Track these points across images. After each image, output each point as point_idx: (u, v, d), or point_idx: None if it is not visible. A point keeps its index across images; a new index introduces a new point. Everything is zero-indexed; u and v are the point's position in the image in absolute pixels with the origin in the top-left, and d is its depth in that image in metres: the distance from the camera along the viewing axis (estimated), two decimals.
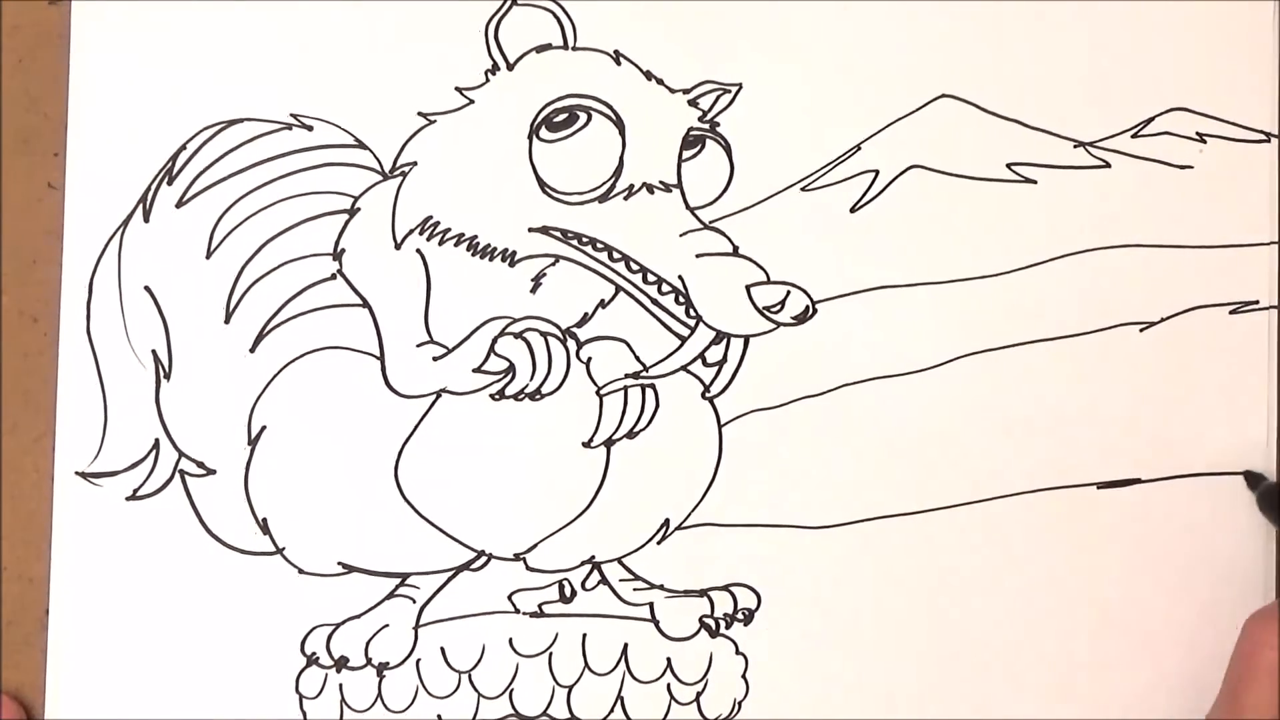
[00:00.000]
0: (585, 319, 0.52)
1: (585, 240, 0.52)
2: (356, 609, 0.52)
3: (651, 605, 0.52)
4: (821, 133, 0.53)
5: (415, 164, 0.52)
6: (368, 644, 0.52)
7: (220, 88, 0.52)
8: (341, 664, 0.52)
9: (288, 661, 0.51)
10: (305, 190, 0.52)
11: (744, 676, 0.52)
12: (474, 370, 0.52)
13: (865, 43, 0.53)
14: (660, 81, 0.53)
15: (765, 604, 0.52)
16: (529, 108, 0.52)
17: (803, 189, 0.53)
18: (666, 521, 0.52)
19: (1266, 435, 0.53)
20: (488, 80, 0.53)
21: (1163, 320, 0.53)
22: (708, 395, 0.52)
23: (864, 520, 0.52)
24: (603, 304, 0.52)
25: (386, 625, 0.52)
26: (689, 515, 0.52)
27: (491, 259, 0.52)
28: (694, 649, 0.52)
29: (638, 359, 0.52)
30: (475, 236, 0.52)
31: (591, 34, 0.53)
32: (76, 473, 0.52)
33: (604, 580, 0.52)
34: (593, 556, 0.52)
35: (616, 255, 0.52)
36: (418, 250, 0.52)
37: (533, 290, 0.52)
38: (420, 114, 0.53)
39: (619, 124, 0.52)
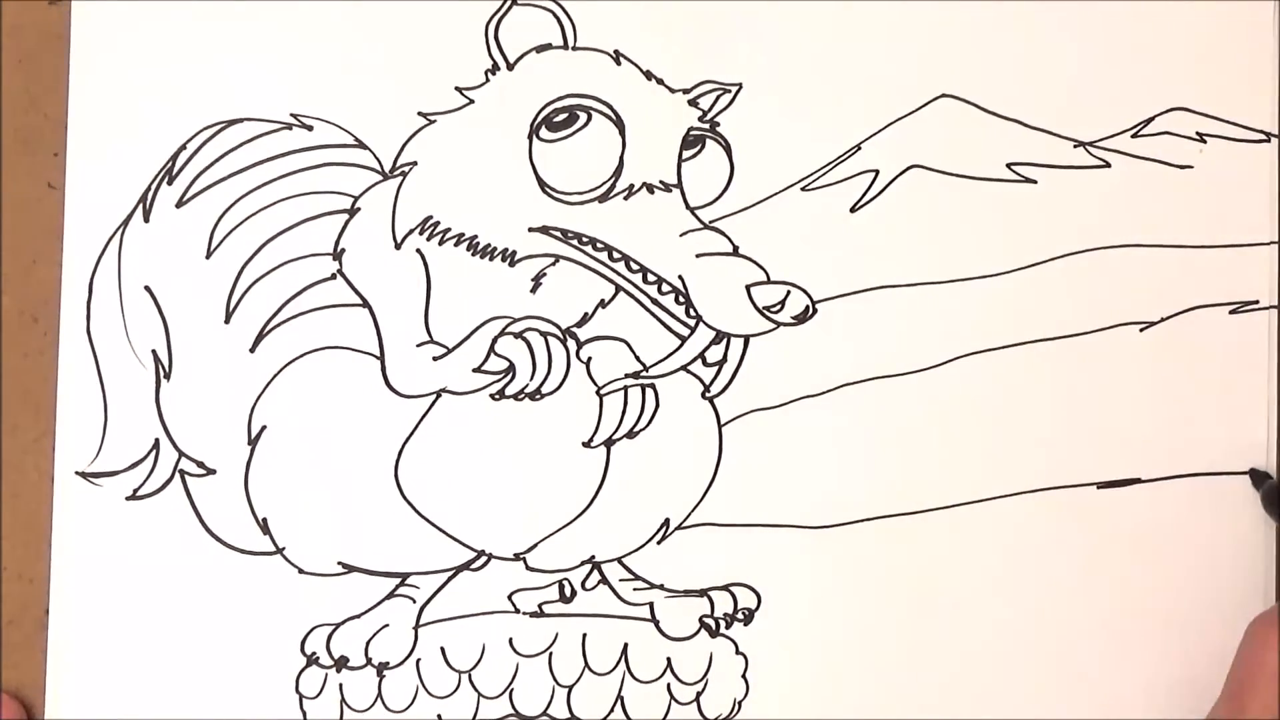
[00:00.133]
0: (585, 319, 0.52)
1: (585, 240, 0.52)
2: (356, 609, 0.52)
3: (651, 605, 0.52)
4: (821, 133, 0.53)
5: (415, 164, 0.52)
6: (368, 644, 0.52)
7: (220, 88, 0.52)
8: (341, 664, 0.52)
9: (288, 661, 0.51)
10: (305, 190, 0.52)
11: (744, 676, 0.52)
12: (474, 370, 0.52)
13: (865, 43, 0.53)
14: (660, 81, 0.53)
15: (765, 604, 0.52)
16: (529, 108, 0.52)
17: (803, 189, 0.53)
18: (666, 521, 0.52)
19: (1266, 435, 0.53)
20: (488, 80, 0.53)
21: (1163, 320, 0.53)
22: (708, 395, 0.52)
23: (864, 520, 0.52)
24: (603, 304, 0.52)
25: (386, 625, 0.52)
26: (689, 515, 0.52)
27: (491, 259, 0.52)
28: (694, 649, 0.52)
29: (638, 359, 0.52)
30: (475, 236, 0.52)
31: (591, 34, 0.53)
32: (76, 473, 0.52)
33: (604, 580, 0.52)
34: (593, 556, 0.52)
35: (616, 255, 0.52)
36: (418, 250, 0.52)
37: (533, 290, 0.52)
38: (420, 114, 0.53)
39: (619, 124, 0.52)
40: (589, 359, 0.52)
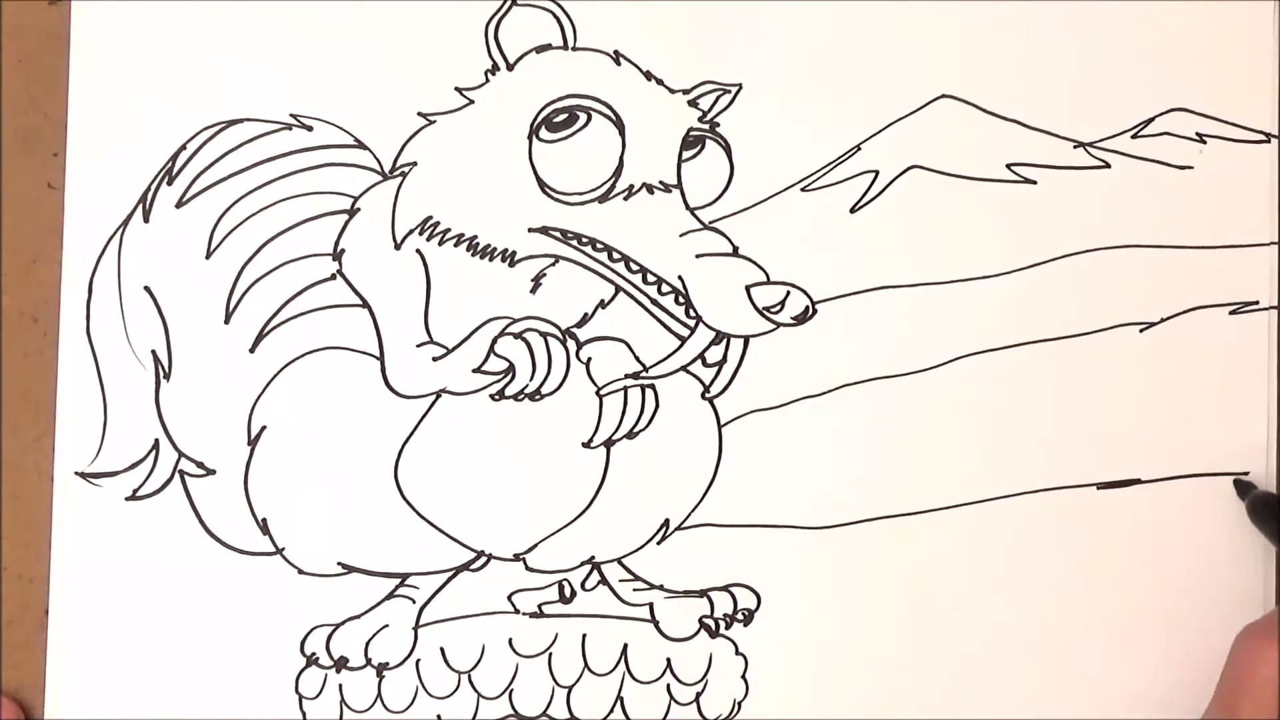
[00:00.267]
0: (585, 319, 0.52)
1: (585, 240, 0.52)
2: (356, 609, 0.52)
3: (651, 605, 0.52)
4: (821, 133, 0.53)
5: (415, 164, 0.52)
6: (367, 644, 0.52)
7: (220, 88, 0.52)
8: (341, 664, 0.52)
9: (287, 662, 0.51)
10: (305, 190, 0.52)
11: (744, 677, 0.52)
12: (474, 370, 0.52)
13: (865, 43, 0.53)
14: (660, 81, 0.53)
15: (765, 604, 0.52)
16: (529, 108, 0.52)
17: (803, 189, 0.53)
18: (666, 521, 0.52)
19: (1266, 436, 0.53)
20: (488, 80, 0.53)
21: (1163, 320, 0.53)
22: (708, 395, 0.52)
23: (864, 520, 0.52)
24: (602, 304, 0.52)
25: (386, 625, 0.52)
26: (689, 515, 0.52)
27: (491, 259, 0.52)
28: (694, 649, 0.52)
29: (637, 359, 0.52)
30: (475, 236, 0.52)
31: (591, 34, 0.53)
32: (76, 473, 0.52)
33: (604, 580, 0.52)
34: (592, 557, 0.52)
35: (616, 255, 0.52)
36: (417, 250, 0.52)
37: (533, 290, 0.52)
38: (420, 114, 0.52)
39: (619, 124, 0.52)
40: (589, 359, 0.52)
